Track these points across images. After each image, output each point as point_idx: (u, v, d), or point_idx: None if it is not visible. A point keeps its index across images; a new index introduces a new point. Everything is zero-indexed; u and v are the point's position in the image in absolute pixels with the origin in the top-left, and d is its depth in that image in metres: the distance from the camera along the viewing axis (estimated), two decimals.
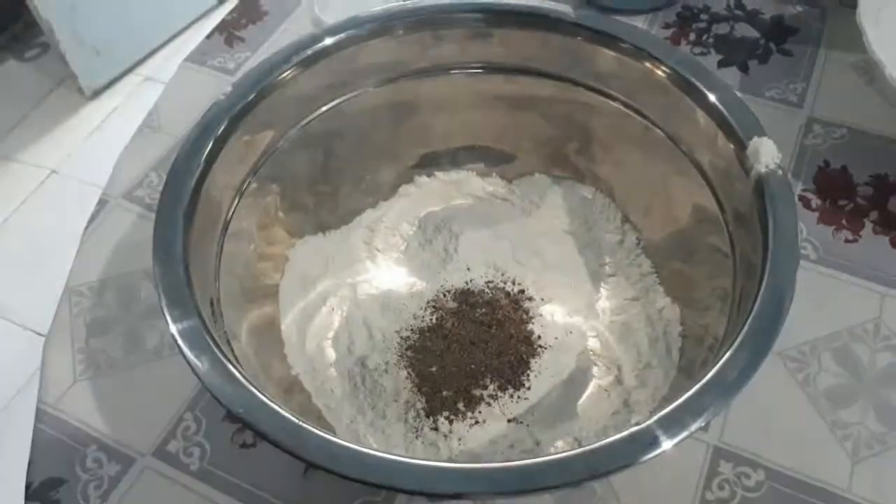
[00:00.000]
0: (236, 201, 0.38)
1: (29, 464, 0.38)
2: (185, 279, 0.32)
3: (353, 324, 0.41)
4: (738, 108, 0.35)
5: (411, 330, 0.40)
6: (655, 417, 0.27)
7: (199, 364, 0.29)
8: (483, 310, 0.40)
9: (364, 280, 0.43)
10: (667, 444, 0.26)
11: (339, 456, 0.27)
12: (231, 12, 0.60)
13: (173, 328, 0.30)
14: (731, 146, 0.35)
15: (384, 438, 0.36)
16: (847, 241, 0.44)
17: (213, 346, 0.30)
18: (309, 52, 0.39)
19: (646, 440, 0.26)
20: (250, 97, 0.38)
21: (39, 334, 0.43)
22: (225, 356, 0.30)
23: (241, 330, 0.36)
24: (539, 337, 0.40)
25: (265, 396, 0.28)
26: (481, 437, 0.36)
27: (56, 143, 1.27)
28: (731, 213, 0.35)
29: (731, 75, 0.53)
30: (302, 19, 0.59)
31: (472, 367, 0.38)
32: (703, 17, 0.57)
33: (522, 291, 0.41)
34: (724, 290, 0.34)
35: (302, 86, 0.40)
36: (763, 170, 0.33)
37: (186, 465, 0.37)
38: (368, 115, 0.43)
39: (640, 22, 0.56)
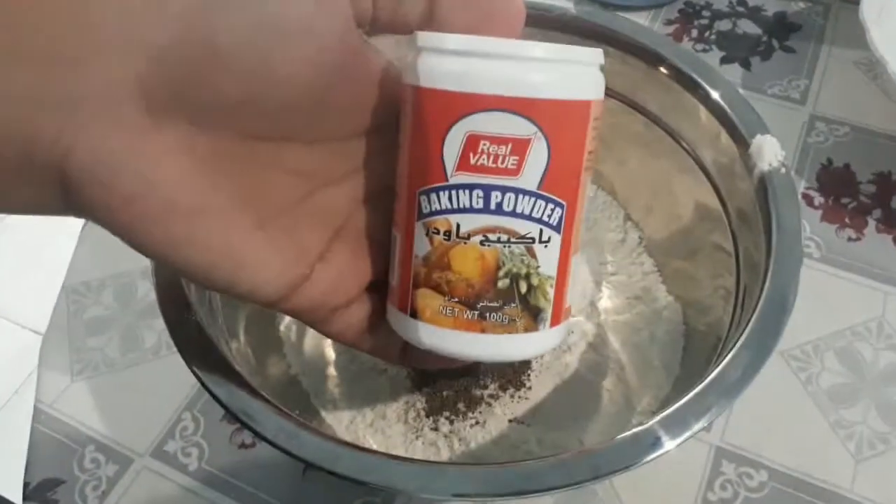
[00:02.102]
0: None
1: (27, 464, 0.38)
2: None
3: None
4: (741, 105, 0.35)
5: None
6: (658, 418, 0.26)
7: (197, 363, 0.29)
8: None
9: None
10: (669, 445, 0.26)
11: (339, 456, 0.26)
12: None
13: (171, 327, 0.30)
14: (734, 144, 0.35)
15: (384, 439, 0.36)
16: (850, 239, 0.44)
17: (211, 346, 0.30)
18: None
19: (648, 441, 0.26)
20: None
21: (37, 333, 0.43)
22: (223, 355, 0.29)
23: (240, 329, 0.35)
24: None
25: (264, 396, 0.28)
26: (482, 437, 0.36)
27: None
28: (733, 211, 0.35)
29: (733, 72, 0.53)
30: None
31: (473, 366, 0.38)
32: (706, 13, 0.57)
33: None
34: (726, 288, 0.34)
35: None
36: (766, 168, 0.33)
37: (185, 465, 0.37)
38: None
39: (642, 18, 0.56)
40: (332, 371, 0.39)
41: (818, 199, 0.46)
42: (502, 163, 0.21)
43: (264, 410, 0.27)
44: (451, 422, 0.36)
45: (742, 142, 0.34)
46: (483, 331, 0.22)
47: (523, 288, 0.22)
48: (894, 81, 0.42)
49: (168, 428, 0.38)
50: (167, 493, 0.37)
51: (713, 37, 0.55)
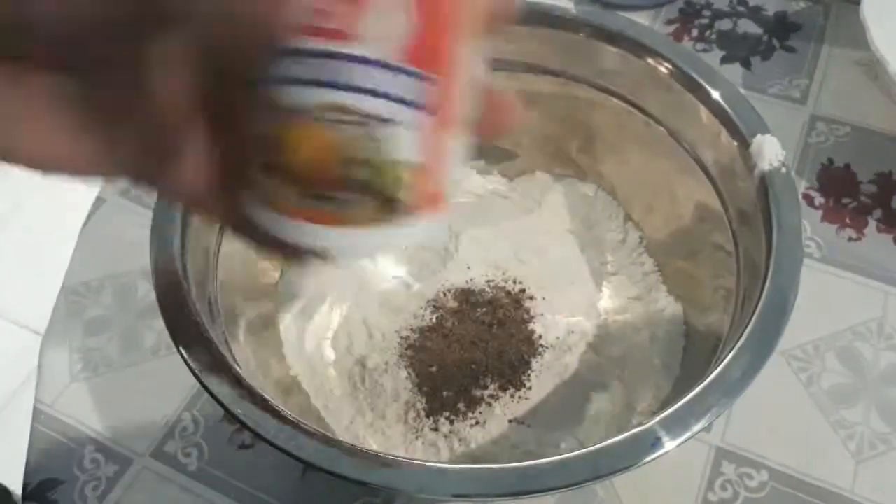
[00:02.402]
0: None
1: (26, 464, 0.38)
2: (182, 277, 0.31)
3: (353, 323, 0.40)
4: (741, 105, 0.35)
5: (411, 329, 0.40)
6: (658, 418, 0.26)
7: (196, 364, 0.29)
8: (484, 309, 0.40)
9: (363, 279, 0.42)
10: (669, 445, 0.26)
11: (338, 457, 0.26)
12: None
13: (170, 327, 0.30)
14: (735, 144, 0.35)
15: (384, 439, 0.36)
16: (851, 239, 0.44)
17: (211, 346, 0.30)
18: None
19: (648, 441, 0.26)
20: None
21: (36, 333, 0.43)
22: (223, 356, 0.29)
23: (239, 329, 0.35)
24: (540, 336, 0.39)
25: (264, 396, 0.28)
26: (482, 437, 0.36)
27: None
28: (734, 211, 0.35)
29: (733, 72, 0.53)
30: None
31: (473, 366, 0.37)
32: (706, 13, 0.57)
33: (523, 290, 0.41)
34: (727, 289, 0.34)
35: None
36: (766, 168, 0.33)
37: (184, 465, 0.37)
38: None
39: (642, 18, 0.56)
40: (332, 371, 0.39)
41: (819, 199, 0.46)
42: (348, 27, 0.17)
43: (264, 411, 0.27)
44: (451, 422, 0.36)
45: (742, 142, 0.34)
46: (322, 221, 0.19)
47: (368, 174, 0.19)
48: (895, 81, 0.42)
49: (168, 428, 0.38)
50: (167, 493, 0.36)
51: (713, 36, 0.55)
